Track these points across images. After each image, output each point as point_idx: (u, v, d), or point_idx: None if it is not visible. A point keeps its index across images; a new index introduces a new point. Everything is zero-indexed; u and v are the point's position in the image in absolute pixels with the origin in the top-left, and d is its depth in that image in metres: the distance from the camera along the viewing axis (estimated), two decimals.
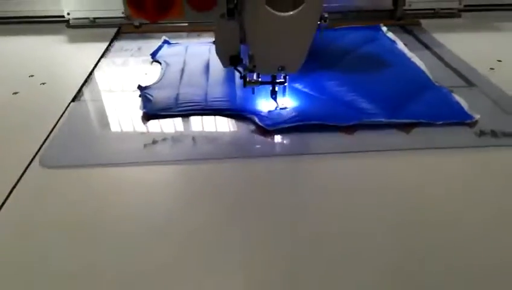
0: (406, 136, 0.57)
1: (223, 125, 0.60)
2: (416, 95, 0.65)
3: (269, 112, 0.61)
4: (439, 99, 0.64)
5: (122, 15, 0.96)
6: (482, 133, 0.57)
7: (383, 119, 0.59)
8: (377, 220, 0.44)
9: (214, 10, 0.50)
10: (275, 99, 0.61)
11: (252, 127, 0.59)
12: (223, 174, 0.51)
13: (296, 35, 0.50)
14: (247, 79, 0.58)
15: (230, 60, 0.57)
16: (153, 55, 0.81)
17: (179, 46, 0.86)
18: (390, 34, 0.89)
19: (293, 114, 0.60)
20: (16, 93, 0.69)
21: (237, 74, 0.72)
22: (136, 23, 0.95)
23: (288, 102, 0.62)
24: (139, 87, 0.68)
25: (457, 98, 0.64)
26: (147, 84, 0.69)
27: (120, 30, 0.95)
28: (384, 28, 0.92)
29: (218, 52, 0.58)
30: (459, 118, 0.59)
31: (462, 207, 0.45)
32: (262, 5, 0.47)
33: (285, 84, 0.59)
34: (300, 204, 0.46)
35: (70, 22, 0.97)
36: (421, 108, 0.62)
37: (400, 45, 0.84)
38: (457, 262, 0.39)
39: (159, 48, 0.84)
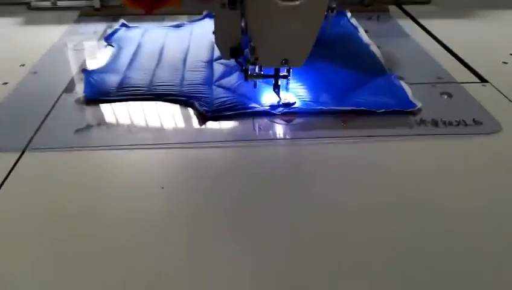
0: (345, 125, 0.56)
1: (165, 111, 0.59)
2: (365, 83, 0.64)
3: (210, 97, 0.60)
4: (385, 86, 0.63)
5: None
6: (422, 122, 0.56)
7: (323, 108, 0.58)
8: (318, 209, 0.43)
9: None
10: (277, 93, 0.59)
11: (195, 112, 0.59)
12: (156, 160, 0.50)
13: (301, 26, 0.48)
14: (249, 72, 0.56)
15: (231, 51, 0.55)
16: (107, 38, 0.80)
17: (137, 30, 0.84)
18: (353, 20, 0.87)
19: (234, 99, 0.59)
20: None
21: (189, 57, 0.72)
22: (97, 5, 0.93)
23: (291, 97, 0.60)
24: (84, 70, 0.67)
25: (404, 85, 0.63)
26: (94, 68, 0.68)
27: (81, 13, 0.93)
28: (349, 14, 0.90)
29: (218, 44, 0.55)
30: (401, 106, 0.58)
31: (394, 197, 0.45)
32: None
33: (289, 78, 0.57)
34: (239, 190, 0.46)
35: (32, 4, 0.96)
36: (366, 96, 0.61)
37: (361, 32, 0.82)
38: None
39: (115, 31, 0.83)
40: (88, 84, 0.64)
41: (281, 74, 0.57)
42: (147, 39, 0.80)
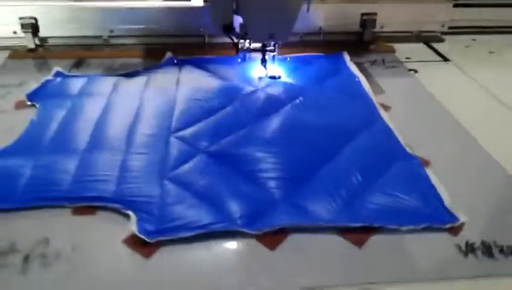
0: (357, 252, 0.38)
1: (84, 226, 0.40)
2: (375, 171, 0.46)
3: (158, 203, 0.41)
4: (406, 179, 0.45)
5: (13, 35, 0.74)
6: (469, 248, 0.38)
7: (322, 223, 0.40)
8: None
9: None
10: (265, 66, 0.65)
11: (127, 232, 0.39)
12: None
13: (285, 4, 0.56)
14: (239, 46, 0.62)
15: (224, 28, 0.60)
16: (32, 96, 0.60)
17: (75, 81, 0.64)
18: (353, 67, 0.69)
19: (195, 212, 0.41)
20: None
21: (138, 128, 0.53)
22: (31, 45, 0.74)
23: (277, 71, 0.66)
24: None
25: (434, 179, 0.45)
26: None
27: (10, 55, 0.73)
28: (347, 58, 0.72)
29: (212, 20, 0.60)
30: (434, 219, 0.40)
31: None
32: None
33: (275, 53, 0.64)
34: None
35: None
36: (381, 201, 0.42)
37: (364, 85, 0.64)
38: None
39: (44, 85, 0.63)
40: None
41: (268, 48, 0.63)
42: (85, 97, 0.60)
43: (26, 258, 0.36)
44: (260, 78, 0.65)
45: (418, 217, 0.40)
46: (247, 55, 0.64)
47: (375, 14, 0.78)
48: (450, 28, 0.83)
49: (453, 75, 0.71)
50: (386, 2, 0.79)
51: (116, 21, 0.75)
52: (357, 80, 0.65)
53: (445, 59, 0.76)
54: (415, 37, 0.83)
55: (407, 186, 0.44)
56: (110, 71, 0.69)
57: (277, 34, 0.59)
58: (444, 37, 0.83)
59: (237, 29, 0.60)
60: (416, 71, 0.71)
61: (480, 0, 0.83)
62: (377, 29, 0.80)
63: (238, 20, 0.60)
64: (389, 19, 0.80)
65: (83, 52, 0.75)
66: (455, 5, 0.81)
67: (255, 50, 0.63)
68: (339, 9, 0.79)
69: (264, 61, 0.64)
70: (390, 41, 0.81)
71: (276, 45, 0.63)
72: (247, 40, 0.62)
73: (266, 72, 0.65)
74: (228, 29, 0.60)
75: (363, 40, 0.80)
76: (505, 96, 0.63)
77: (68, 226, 0.40)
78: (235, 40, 0.62)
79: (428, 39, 0.83)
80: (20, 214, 0.41)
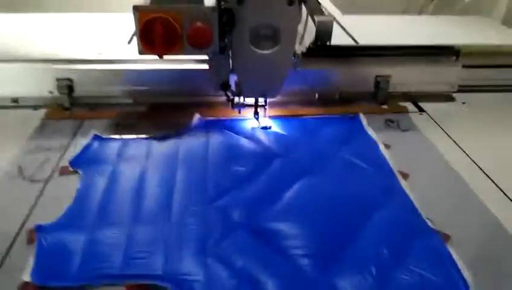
0: None
1: None
2: (402, 252, 0.50)
3: (205, 287, 0.45)
4: (431, 260, 0.49)
5: (49, 94, 0.79)
6: None
7: None
8: None
9: (209, 47, 0.60)
10: (257, 119, 0.74)
11: None
12: None
13: (274, 68, 0.63)
14: (235, 102, 0.72)
15: (221, 86, 0.68)
16: (74, 163, 0.64)
17: (112, 145, 0.68)
18: (371, 132, 0.74)
19: None
20: None
21: (176, 199, 0.57)
22: (66, 104, 0.78)
23: (268, 122, 0.75)
24: (38, 229, 0.51)
25: (456, 256, 0.49)
26: (49, 223, 0.52)
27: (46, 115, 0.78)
28: (364, 121, 0.77)
29: (210, 79, 0.70)
30: None
31: None
32: (247, 44, 0.60)
33: (266, 106, 0.73)
34: None
35: None
36: (408, 281, 0.46)
37: (382, 150, 0.69)
38: None
39: (85, 150, 0.67)
40: (40, 255, 0.48)
41: (260, 104, 0.73)
42: (122, 163, 0.64)
43: None
44: (253, 128, 0.74)
45: None
46: (241, 109, 0.73)
47: (389, 76, 0.84)
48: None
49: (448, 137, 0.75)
50: (398, 65, 0.85)
51: (146, 81, 0.80)
52: (375, 145, 0.70)
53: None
54: (427, 97, 0.88)
55: (431, 264, 0.48)
56: (142, 131, 0.73)
57: (268, 91, 0.68)
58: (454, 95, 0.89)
59: (233, 87, 0.68)
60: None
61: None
62: (391, 89, 0.85)
63: (233, 78, 0.67)
64: (401, 79, 0.86)
65: (114, 112, 0.79)
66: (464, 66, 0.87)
67: (248, 105, 0.73)
68: (355, 72, 0.84)
69: (256, 114, 0.73)
70: (403, 100, 0.86)
71: (267, 100, 0.72)
72: (241, 97, 0.70)
73: (259, 123, 0.74)
74: (225, 86, 0.68)
75: (377, 100, 0.85)
76: None
77: None
78: (231, 97, 0.70)
79: (438, 99, 0.88)
80: None
